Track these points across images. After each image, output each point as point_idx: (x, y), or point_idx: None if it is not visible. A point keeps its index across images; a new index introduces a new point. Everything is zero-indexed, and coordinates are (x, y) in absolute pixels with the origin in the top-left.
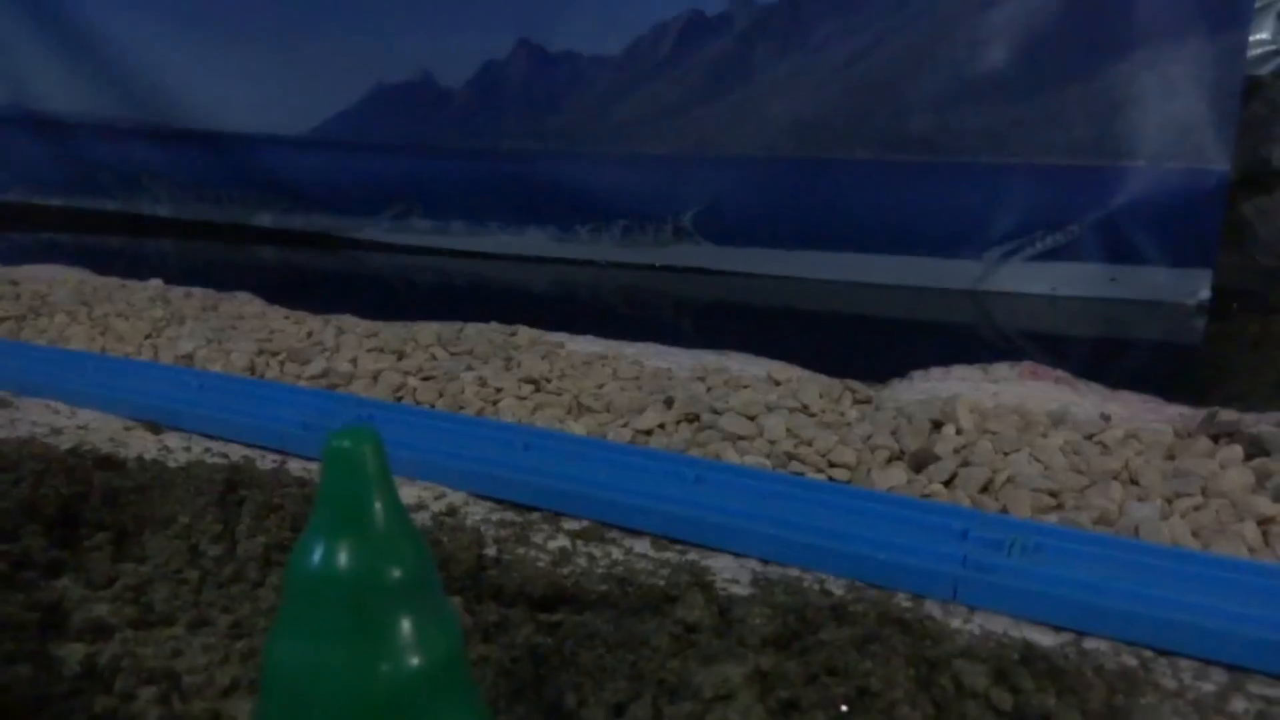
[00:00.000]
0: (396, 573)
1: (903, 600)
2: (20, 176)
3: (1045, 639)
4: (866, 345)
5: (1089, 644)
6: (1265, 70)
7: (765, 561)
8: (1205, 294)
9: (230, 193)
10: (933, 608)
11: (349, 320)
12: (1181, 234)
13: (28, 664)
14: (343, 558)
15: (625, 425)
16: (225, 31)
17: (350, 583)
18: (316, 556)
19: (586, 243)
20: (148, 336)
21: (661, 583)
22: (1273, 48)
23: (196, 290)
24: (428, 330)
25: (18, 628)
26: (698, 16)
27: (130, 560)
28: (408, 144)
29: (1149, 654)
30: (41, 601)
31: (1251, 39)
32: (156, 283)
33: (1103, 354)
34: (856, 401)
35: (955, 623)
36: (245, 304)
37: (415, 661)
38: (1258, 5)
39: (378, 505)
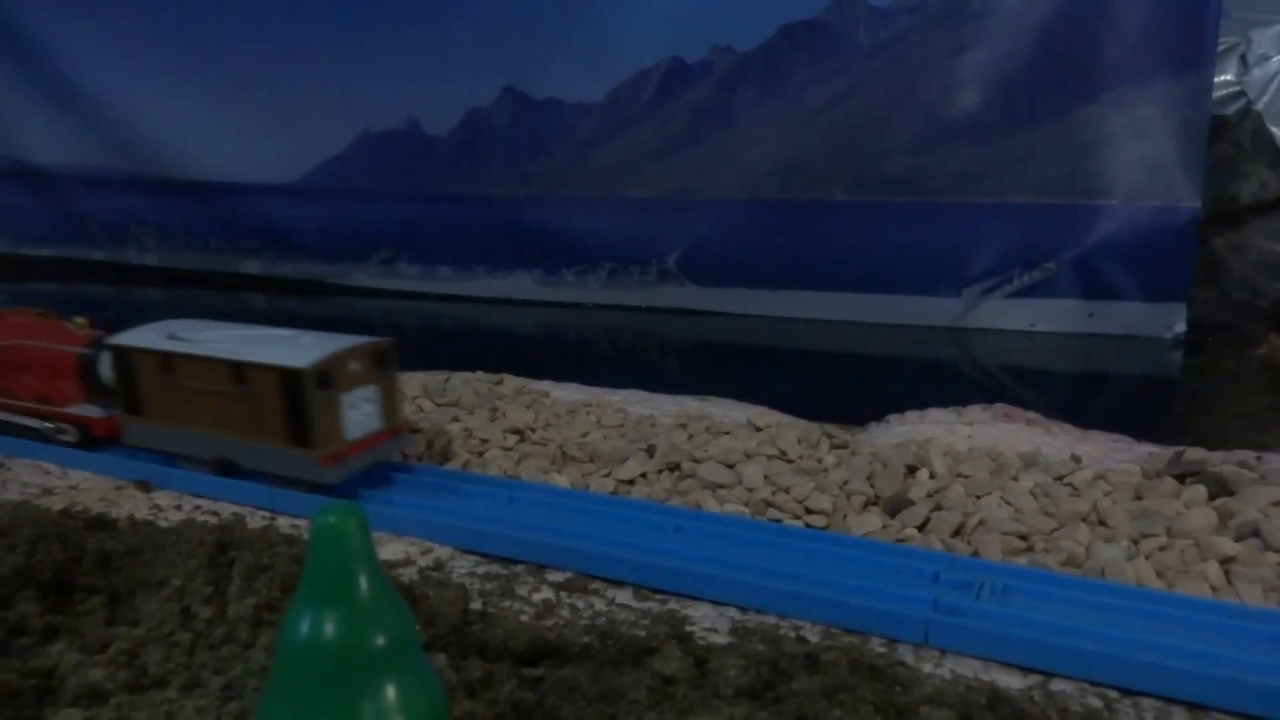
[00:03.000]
0: (380, 640)
1: (876, 645)
2: (8, 227)
3: (1013, 681)
4: (847, 384)
5: (1055, 685)
6: (1231, 110)
7: (744, 609)
8: (1180, 327)
9: (218, 241)
10: (905, 652)
11: None
12: (1156, 269)
13: None
14: (328, 628)
15: (608, 475)
16: (212, 82)
17: (336, 651)
18: (304, 627)
19: (572, 286)
20: None
21: (641, 634)
22: (1237, 88)
23: None
24: (414, 381)
25: (14, 695)
26: (678, 64)
27: (123, 624)
28: (395, 191)
29: (1114, 694)
30: (37, 668)
31: (1216, 80)
32: None
33: (1081, 388)
34: (834, 447)
35: (926, 667)
36: None
37: None
38: (1221, 48)
39: (361, 577)
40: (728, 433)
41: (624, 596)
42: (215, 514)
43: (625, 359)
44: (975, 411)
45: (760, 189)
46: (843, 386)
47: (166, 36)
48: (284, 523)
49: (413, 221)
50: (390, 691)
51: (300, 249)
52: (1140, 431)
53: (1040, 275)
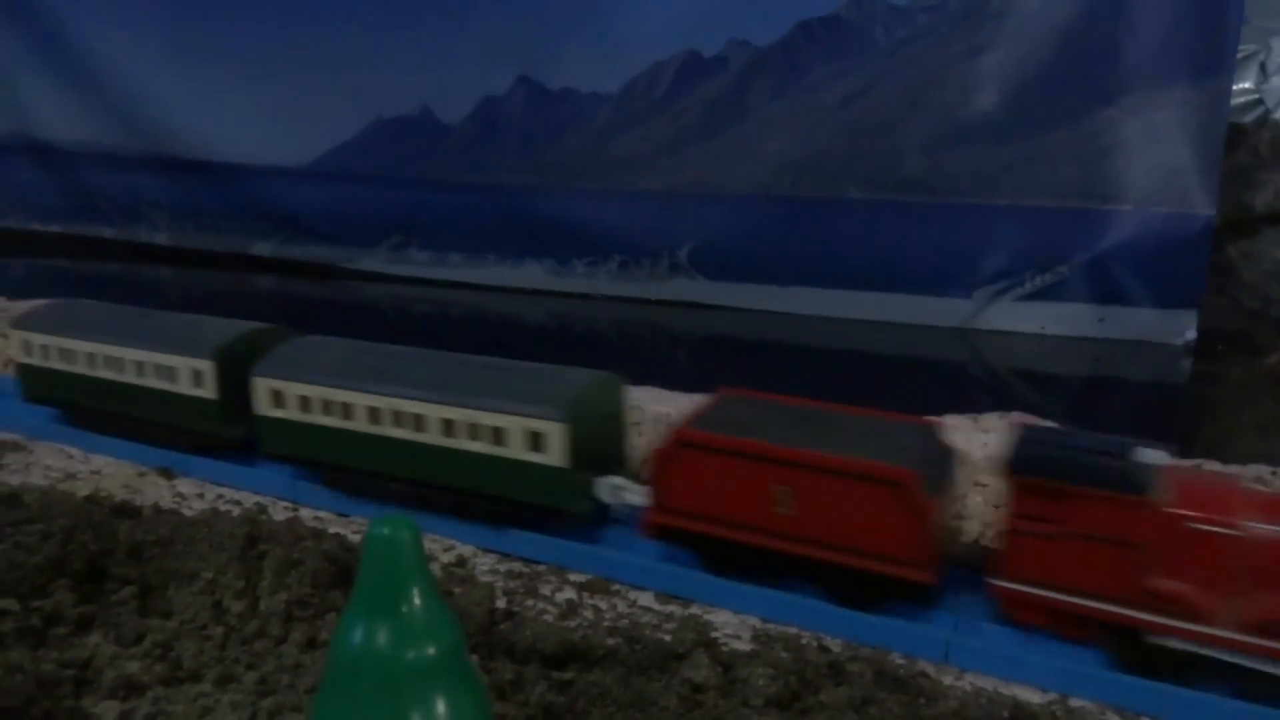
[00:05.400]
0: (431, 651)
1: (897, 657)
2: (19, 203)
3: (1033, 697)
4: (859, 384)
5: (1075, 702)
6: (1248, 118)
7: (765, 619)
8: (1191, 334)
9: (228, 223)
10: (926, 664)
11: None
12: (1168, 276)
13: None
14: (381, 638)
15: None
16: (226, 63)
17: (387, 661)
18: (357, 636)
19: (583, 277)
20: None
21: (668, 638)
22: (1255, 96)
23: None
24: None
25: (54, 685)
26: (694, 57)
27: (156, 615)
28: (406, 177)
29: (1133, 712)
30: (75, 659)
31: (1235, 88)
32: None
33: (1092, 394)
34: None
35: (947, 679)
36: None
37: None
38: (1240, 55)
39: (414, 588)
40: None
41: (645, 599)
42: (238, 503)
43: (635, 352)
44: (992, 419)
45: (774, 185)
46: (855, 386)
47: (182, 16)
48: (307, 514)
49: (424, 208)
50: (440, 702)
51: (311, 232)
52: (1150, 440)
53: (1052, 278)
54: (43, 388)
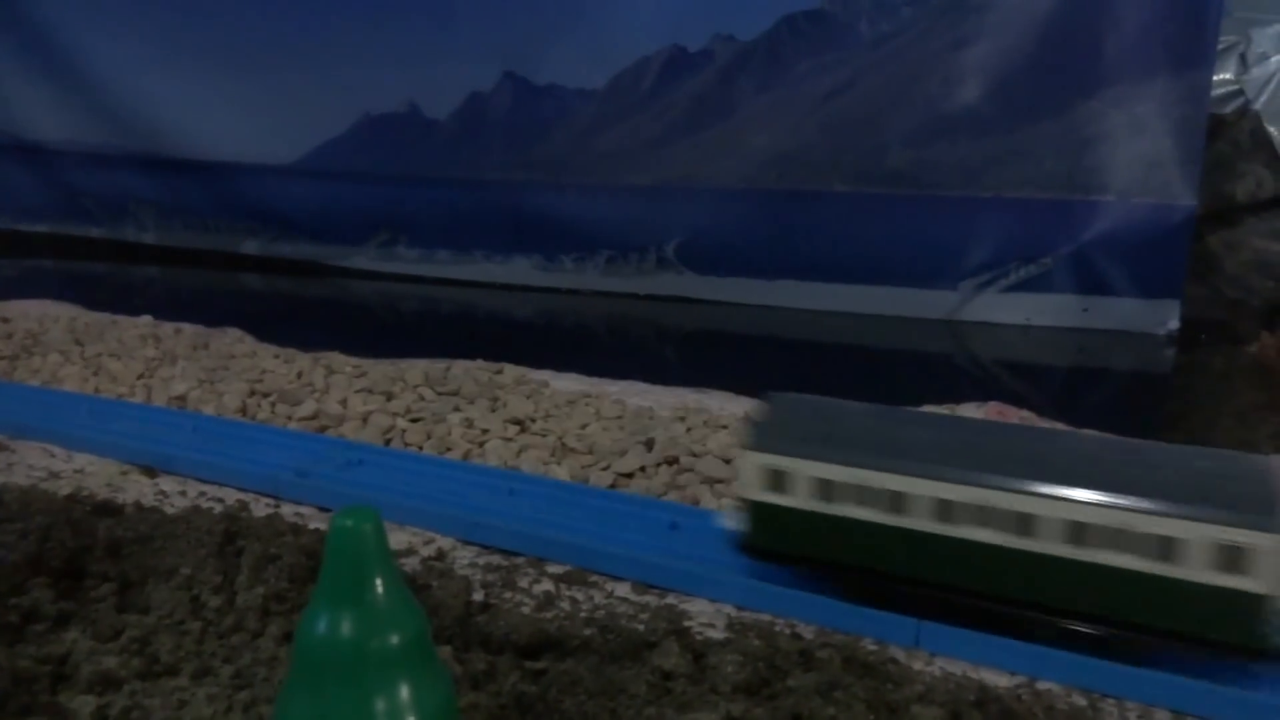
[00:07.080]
0: (394, 640)
1: (868, 643)
2: (6, 203)
3: (1001, 680)
4: (843, 377)
5: (1042, 685)
6: (1229, 109)
7: (740, 607)
8: (1174, 324)
9: (216, 221)
10: (896, 650)
11: (338, 359)
12: (1151, 266)
13: (42, 717)
14: (345, 627)
15: (607, 468)
16: (212, 61)
17: (351, 650)
18: (321, 626)
19: (571, 272)
20: (140, 377)
21: (641, 628)
22: (1235, 87)
23: (186, 326)
24: (415, 370)
25: (30, 680)
26: (679, 52)
27: (134, 611)
28: (394, 174)
29: (1097, 694)
30: (52, 654)
31: (1215, 79)
32: (147, 319)
33: (1075, 384)
34: None
35: (917, 665)
36: (235, 342)
37: None
38: (1221, 46)
39: (377, 578)
40: (725, 427)
41: (623, 590)
42: (220, 500)
43: (623, 347)
44: (969, 409)
45: (759, 179)
46: (839, 379)
47: (168, 14)
48: (288, 510)
49: (411, 205)
50: (404, 689)
51: (298, 230)
52: (1132, 428)
53: (1036, 270)
54: (793, 539)
